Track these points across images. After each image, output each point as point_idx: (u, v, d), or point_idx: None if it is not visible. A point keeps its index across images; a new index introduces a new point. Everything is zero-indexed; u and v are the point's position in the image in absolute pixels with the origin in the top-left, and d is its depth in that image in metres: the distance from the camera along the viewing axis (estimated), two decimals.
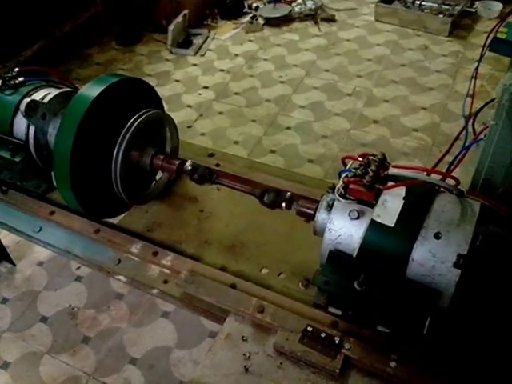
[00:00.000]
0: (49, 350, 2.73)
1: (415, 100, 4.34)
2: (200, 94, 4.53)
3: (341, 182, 1.64)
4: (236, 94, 4.52)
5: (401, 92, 4.44)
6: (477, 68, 2.12)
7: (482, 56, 2.19)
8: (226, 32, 5.38)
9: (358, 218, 1.60)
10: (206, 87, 4.62)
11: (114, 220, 2.29)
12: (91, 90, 1.98)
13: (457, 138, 2.03)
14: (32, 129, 2.17)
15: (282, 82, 4.63)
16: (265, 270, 2.06)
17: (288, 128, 4.09)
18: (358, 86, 4.52)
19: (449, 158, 1.89)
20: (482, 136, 1.92)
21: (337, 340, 1.69)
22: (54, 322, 2.86)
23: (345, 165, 1.71)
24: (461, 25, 5.28)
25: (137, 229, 2.26)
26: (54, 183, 2.16)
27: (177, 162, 2.11)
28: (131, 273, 2.07)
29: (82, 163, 1.96)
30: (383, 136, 3.95)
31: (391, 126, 4.06)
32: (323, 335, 1.70)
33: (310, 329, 1.72)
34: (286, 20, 5.47)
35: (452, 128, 3.96)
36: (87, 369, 2.64)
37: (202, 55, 5.05)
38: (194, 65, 4.93)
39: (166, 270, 2.05)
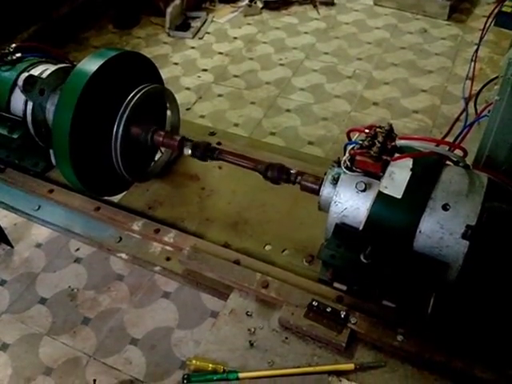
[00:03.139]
0: (48, 332, 2.71)
1: (415, 82, 4.32)
2: (199, 76, 4.50)
3: (347, 154, 1.62)
4: (235, 76, 4.48)
5: (401, 74, 4.42)
6: (476, 50, 2.10)
7: (481, 38, 2.18)
8: (224, 15, 5.33)
9: (364, 190, 1.58)
10: (204, 70, 4.59)
11: (115, 198, 2.27)
12: (90, 64, 1.94)
13: (457, 119, 2.02)
14: (30, 105, 2.15)
15: (281, 64, 4.60)
16: (268, 247, 2.04)
17: (288, 110, 4.07)
18: (358, 69, 4.49)
19: (449, 139, 1.86)
20: (485, 113, 1.90)
21: (342, 314, 1.67)
22: (54, 304, 2.84)
23: (350, 138, 1.69)
24: (459, 8, 5.24)
25: (138, 207, 2.24)
26: (53, 161, 2.14)
27: (178, 138, 2.08)
28: (133, 250, 2.05)
29: (82, 139, 1.93)
30: (383, 118, 3.92)
31: (391, 108, 4.04)
32: (329, 310, 1.68)
33: (315, 303, 1.70)
34: (284, 3, 5.42)
35: (452, 110, 3.94)
36: (88, 350, 2.62)
37: (201, 38, 5.01)
38: (193, 48, 4.89)
39: (168, 247, 2.03)
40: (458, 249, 1.49)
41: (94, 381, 2.49)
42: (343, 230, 1.62)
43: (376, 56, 4.65)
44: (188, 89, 4.35)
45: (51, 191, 2.25)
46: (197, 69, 4.62)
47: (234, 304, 1.80)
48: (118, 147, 2.00)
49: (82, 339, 2.67)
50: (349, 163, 1.61)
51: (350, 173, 1.62)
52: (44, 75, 2.14)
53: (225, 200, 2.25)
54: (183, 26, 5.10)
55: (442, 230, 1.50)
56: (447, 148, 1.63)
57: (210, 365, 1.62)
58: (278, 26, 5.14)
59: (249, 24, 5.19)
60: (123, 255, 2.06)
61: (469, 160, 1.71)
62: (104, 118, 1.96)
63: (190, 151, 2.04)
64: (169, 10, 4.95)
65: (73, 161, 1.94)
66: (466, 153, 1.64)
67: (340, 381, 1.59)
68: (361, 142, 1.61)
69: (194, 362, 1.63)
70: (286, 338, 1.69)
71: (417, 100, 4.12)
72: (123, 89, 2.00)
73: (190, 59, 4.75)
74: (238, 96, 4.26)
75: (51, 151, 2.15)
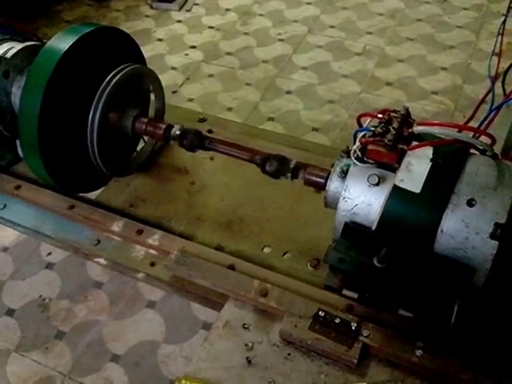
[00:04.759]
0: (17, 348, 2.69)
1: (434, 59, 4.30)
2: (186, 54, 4.48)
3: (357, 143, 1.62)
4: (228, 54, 4.46)
5: (417, 50, 4.40)
6: (504, 22, 2.10)
7: (509, 8, 2.17)
8: None
9: (378, 183, 1.57)
10: (193, 47, 4.56)
11: (91, 195, 2.26)
12: (61, 42, 1.94)
13: (482, 100, 2.02)
14: None
15: (280, 40, 4.57)
16: (267, 249, 2.04)
17: (288, 92, 4.05)
18: (369, 44, 4.47)
19: (474, 124, 1.85)
20: None
21: (353, 326, 1.67)
22: (23, 316, 2.82)
23: (360, 124, 1.68)
24: None
25: (118, 205, 2.24)
26: (20, 153, 2.13)
27: (163, 126, 2.07)
28: (112, 255, 2.05)
29: (53, 128, 1.92)
30: (398, 100, 3.91)
31: (407, 89, 4.02)
32: (337, 321, 1.68)
33: (321, 313, 1.70)
34: None
35: (476, 90, 3.91)
36: (62, 368, 2.61)
37: (188, 10, 4.98)
38: (179, 21, 4.87)
39: (152, 251, 2.03)
40: (485, 250, 1.48)
41: None
42: (354, 230, 1.61)
43: (389, 29, 4.63)
44: (174, 69, 4.32)
45: (18, 187, 2.25)
46: (184, 46, 4.59)
47: (228, 315, 1.80)
48: (95, 136, 1.99)
49: (55, 356, 2.65)
50: (359, 153, 1.61)
51: (360, 164, 1.61)
52: (8, 55, 2.13)
53: (217, 196, 2.25)
54: None
55: (466, 228, 1.49)
56: (472, 134, 1.62)
57: None
58: None
59: None
60: (101, 260, 2.06)
61: (497, 148, 1.70)
62: (78, 104, 1.95)
63: (177, 140, 2.03)
64: None
65: (42, 152, 1.93)
66: (493, 140, 1.63)
67: None
68: (373, 129, 1.61)
69: (183, 381, 1.62)
70: (289, 354, 1.69)
71: (436, 79, 4.10)
72: (100, 70, 1.99)
73: (176, 34, 4.72)
74: (231, 76, 4.23)
75: (18, 142, 2.14)
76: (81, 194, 2.22)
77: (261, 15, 4.87)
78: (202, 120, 2.51)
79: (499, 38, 2.10)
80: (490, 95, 1.99)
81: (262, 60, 4.37)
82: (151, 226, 2.09)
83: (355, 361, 1.62)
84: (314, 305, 1.74)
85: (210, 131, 2.38)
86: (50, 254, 3.05)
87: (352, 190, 1.61)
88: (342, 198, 1.62)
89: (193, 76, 4.23)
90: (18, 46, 2.17)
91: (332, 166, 1.71)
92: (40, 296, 2.89)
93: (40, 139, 1.90)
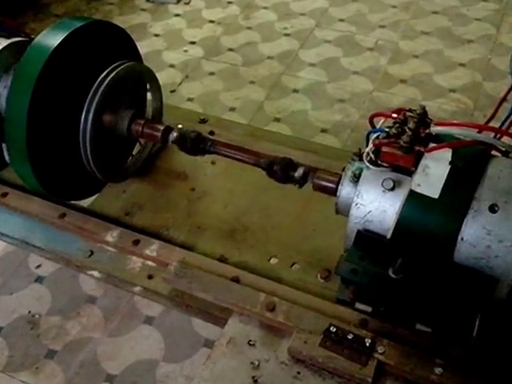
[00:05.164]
0: (4, 368, 2.70)
1: (451, 55, 4.31)
2: (185, 50, 4.49)
3: (370, 145, 1.62)
4: (230, 50, 4.47)
5: (433, 45, 4.41)
6: None
7: None
8: None
9: (393, 188, 1.57)
10: (192, 42, 4.58)
11: (84, 203, 2.26)
12: (50, 38, 1.95)
13: (504, 98, 2.00)
14: None
15: (286, 34, 4.59)
16: (274, 260, 2.05)
17: (295, 91, 4.06)
18: (381, 39, 4.48)
19: (495, 124, 1.85)
20: None
21: (367, 342, 1.67)
22: (11, 333, 2.82)
23: (373, 125, 1.68)
24: None
25: (112, 213, 2.25)
26: (6, 158, 2.13)
27: (161, 128, 2.07)
28: (107, 267, 2.05)
29: (42, 131, 1.93)
30: (413, 98, 3.91)
31: (423, 87, 4.03)
32: (350, 337, 1.68)
33: (333, 329, 1.70)
34: None
35: (497, 87, 3.92)
36: None
37: (187, 3, 5.00)
38: (177, 15, 4.89)
39: (150, 263, 2.04)
40: (509, 259, 1.48)
41: None
42: (367, 239, 1.62)
43: (403, 22, 4.64)
44: (172, 66, 4.33)
45: (4, 195, 2.25)
46: (183, 41, 4.60)
47: (233, 331, 1.80)
48: (88, 140, 2.00)
49: (46, 377, 2.66)
50: (373, 156, 1.61)
51: (374, 168, 1.61)
52: None
53: (220, 203, 2.26)
54: None
55: (489, 236, 1.49)
56: (493, 135, 1.62)
57: None
58: None
59: None
60: (95, 273, 2.06)
61: None
62: (69, 104, 1.96)
63: (176, 143, 2.04)
64: None
65: (31, 157, 1.94)
66: None
67: None
68: (387, 130, 1.61)
69: None
70: (298, 373, 1.69)
71: (454, 76, 4.11)
72: (92, 68, 2.00)
73: (174, 29, 4.74)
74: (233, 74, 4.24)
75: (4, 146, 2.14)
76: (72, 202, 2.22)
77: (265, 8, 4.88)
78: (203, 121, 2.52)
79: None
80: None
81: (266, 56, 4.38)
82: (148, 236, 2.09)
83: (370, 380, 1.62)
84: (325, 319, 1.74)
85: (211, 133, 2.39)
86: (39, 266, 3.05)
87: (365, 196, 1.61)
88: (354, 205, 1.62)
89: (192, 74, 4.24)
90: (3, 43, 2.17)
91: (343, 169, 1.72)
92: (29, 312, 2.89)
93: (28, 143, 1.91)
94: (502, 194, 1.51)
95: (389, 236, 1.58)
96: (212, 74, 4.25)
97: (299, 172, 1.85)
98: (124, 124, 2.08)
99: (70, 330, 2.81)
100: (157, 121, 2.23)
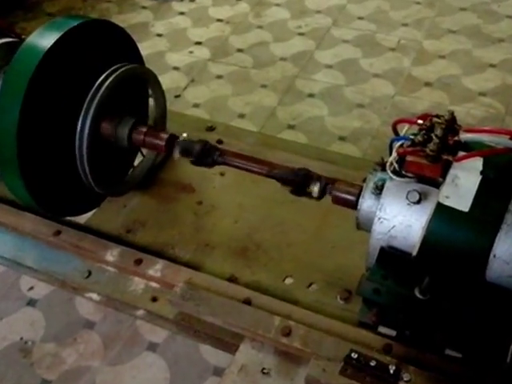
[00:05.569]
0: None
1: (481, 55, 4.31)
2: (191, 52, 4.51)
3: (394, 154, 1.62)
4: (239, 51, 4.49)
5: (461, 45, 4.41)
6: None
7: None
8: None
9: (419, 201, 1.58)
10: (198, 43, 4.59)
11: (81, 219, 2.27)
12: (43, 39, 1.96)
13: None
14: None
15: (300, 34, 4.60)
16: (289, 280, 2.05)
17: (311, 95, 4.06)
18: (404, 38, 4.49)
19: None
20: None
21: (392, 369, 1.67)
22: (1, 362, 2.82)
23: (397, 132, 1.69)
24: None
25: (112, 230, 2.26)
26: None
27: (165, 136, 2.08)
28: (106, 289, 2.07)
29: (35, 140, 1.94)
30: (439, 103, 3.91)
31: (450, 90, 4.03)
32: (373, 363, 1.68)
33: (354, 355, 1.70)
34: None
35: None
36: None
37: (192, 0, 5.03)
38: (182, 13, 4.91)
39: (154, 284, 2.05)
40: None
41: None
42: (391, 256, 1.62)
43: (427, 20, 4.65)
44: (176, 69, 4.34)
45: None
46: (188, 42, 4.62)
47: (245, 358, 1.81)
48: (84, 150, 2.00)
49: None
50: (396, 166, 1.62)
51: (398, 179, 1.62)
52: None
53: (229, 218, 2.27)
54: None
55: None
56: None
57: None
58: None
59: None
60: (93, 295, 2.08)
61: None
62: (64, 111, 1.98)
63: (181, 153, 2.04)
64: None
65: (22, 168, 1.94)
66: None
67: None
68: (412, 137, 1.61)
69: None
70: None
71: (483, 78, 4.11)
72: (89, 71, 2.01)
73: (179, 29, 4.76)
74: (243, 77, 4.25)
75: None
76: (68, 218, 2.23)
77: (277, 5, 4.90)
78: (211, 129, 2.53)
79: None
80: None
81: (279, 58, 4.38)
82: (152, 255, 2.10)
83: None
84: (346, 345, 1.74)
85: (219, 142, 2.40)
86: (31, 288, 3.05)
87: (388, 210, 1.61)
88: (376, 219, 1.63)
89: (198, 77, 4.26)
90: None
91: (364, 180, 1.72)
92: (21, 338, 2.89)
93: (19, 153, 1.91)
94: None
95: (414, 253, 1.58)
96: (220, 77, 4.26)
97: (316, 184, 1.85)
98: (124, 132, 2.08)
99: (66, 358, 2.80)
100: (160, 129, 2.23)
